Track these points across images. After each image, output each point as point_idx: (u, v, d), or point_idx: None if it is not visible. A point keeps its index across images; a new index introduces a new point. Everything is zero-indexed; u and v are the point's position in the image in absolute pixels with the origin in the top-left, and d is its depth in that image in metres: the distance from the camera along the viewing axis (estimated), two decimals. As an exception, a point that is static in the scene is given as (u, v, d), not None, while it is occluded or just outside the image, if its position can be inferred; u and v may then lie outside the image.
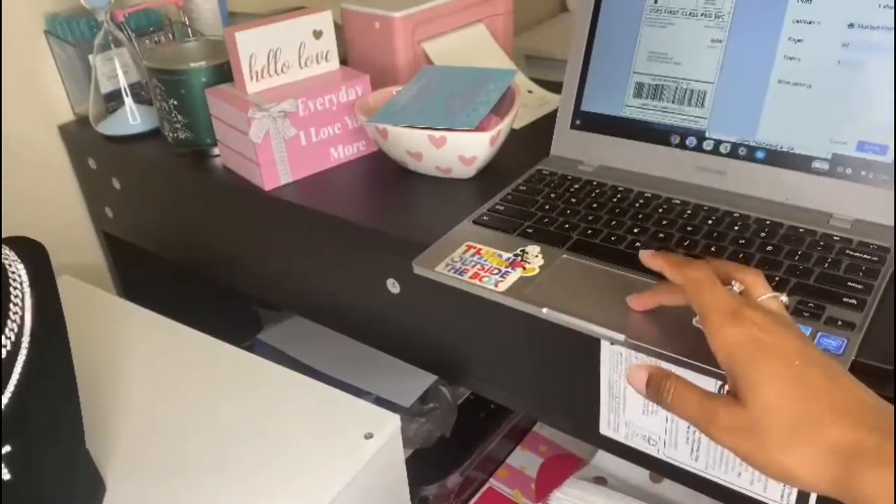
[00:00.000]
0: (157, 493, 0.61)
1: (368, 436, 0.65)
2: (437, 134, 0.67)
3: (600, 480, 0.77)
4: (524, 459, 1.01)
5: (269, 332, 1.12)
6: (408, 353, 0.74)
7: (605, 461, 0.81)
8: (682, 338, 0.49)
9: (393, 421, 0.67)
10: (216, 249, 0.86)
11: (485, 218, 0.63)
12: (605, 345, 0.55)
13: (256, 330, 1.15)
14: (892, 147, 0.56)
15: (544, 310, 0.52)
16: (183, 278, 1.05)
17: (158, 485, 0.62)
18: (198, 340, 0.79)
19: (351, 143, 0.78)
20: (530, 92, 0.86)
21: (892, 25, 0.55)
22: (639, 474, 0.77)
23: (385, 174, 0.76)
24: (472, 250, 0.59)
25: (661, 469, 0.57)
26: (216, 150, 0.81)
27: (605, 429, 0.58)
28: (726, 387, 0.43)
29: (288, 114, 0.72)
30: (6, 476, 0.54)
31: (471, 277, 0.56)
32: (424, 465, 0.90)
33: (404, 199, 0.71)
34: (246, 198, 0.77)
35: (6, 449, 0.54)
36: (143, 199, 0.90)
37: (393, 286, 0.68)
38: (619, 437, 0.58)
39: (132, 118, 0.87)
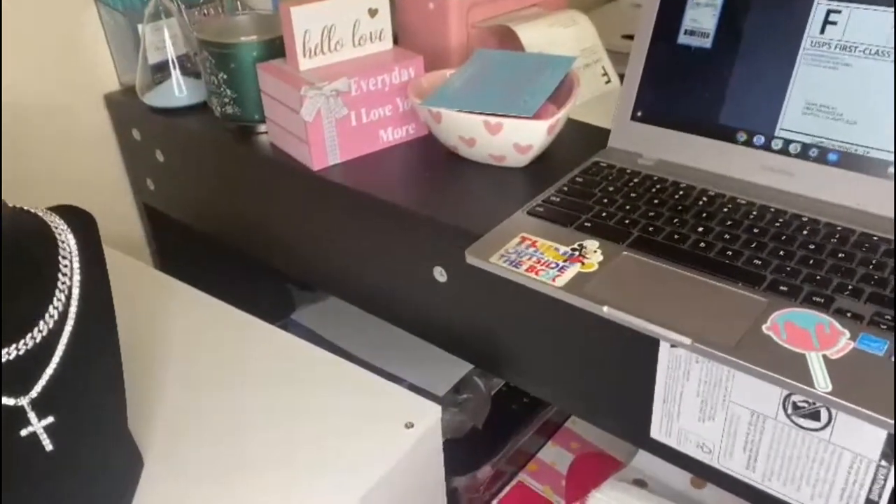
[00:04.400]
0: (193, 471, 0.60)
1: (409, 425, 0.64)
2: (492, 120, 0.65)
3: (640, 483, 0.76)
4: (555, 455, 0.99)
5: (303, 312, 1.11)
6: (448, 342, 0.72)
7: (644, 463, 0.79)
8: (749, 344, 0.47)
9: (434, 411, 0.66)
10: (257, 227, 0.85)
11: (539, 209, 0.62)
12: (663, 347, 0.53)
13: (290, 310, 1.14)
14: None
15: (605, 308, 0.50)
16: (219, 253, 1.04)
17: (194, 463, 0.61)
18: (234, 317, 0.78)
19: (401, 125, 0.77)
20: (608, 82, 0.83)
21: None
22: (680, 478, 0.75)
23: (434, 159, 0.74)
24: (528, 242, 0.58)
25: (713, 478, 0.55)
26: (263, 127, 0.80)
27: (657, 433, 0.57)
28: (792, 398, 0.41)
29: (340, 93, 0.70)
30: (48, 447, 0.53)
31: (527, 270, 0.54)
32: (455, 455, 0.89)
33: (455, 185, 0.69)
34: (292, 177, 0.75)
35: (49, 420, 0.53)
36: (185, 173, 0.89)
37: (440, 275, 0.66)
38: (671, 442, 0.56)
39: (178, 90, 0.86)
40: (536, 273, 0.54)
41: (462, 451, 0.91)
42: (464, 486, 0.90)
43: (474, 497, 0.92)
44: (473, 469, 0.90)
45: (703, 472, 0.56)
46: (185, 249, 1.04)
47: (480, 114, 0.66)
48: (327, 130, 0.71)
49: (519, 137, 0.66)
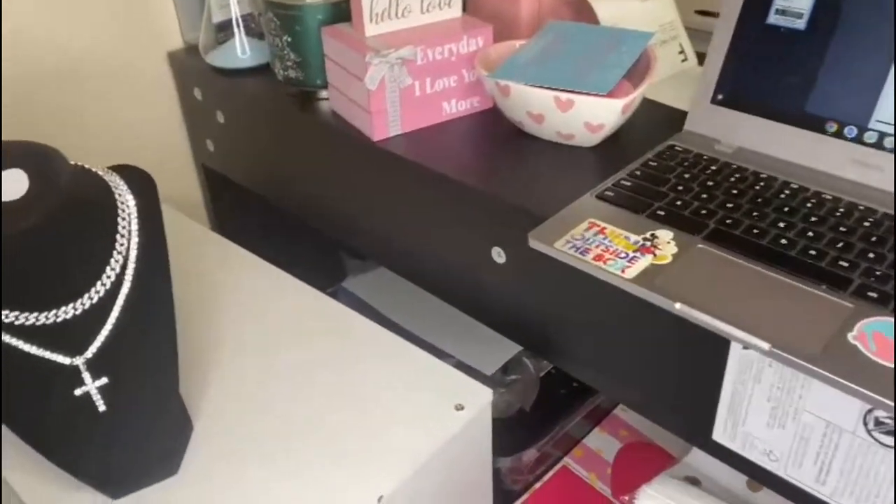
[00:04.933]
0: (239, 439, 0.60)
1: (459, 407, 0.62)
2: (563, 96, 0.62)
3: (693, 481, 0.73)
4: (602, 442, 0.97)
5: (354, 280, 1.10)
6: (501, 323, 0.70)
7: (698, 460, 0.77)
8: (834, 353, 0.43)
9: (485, 394, 0.64)
10: (313, 193, 0.84)
11: (609, 193, 0.59)
12: (735, 348, 0.50)
13: (340, 277, 1.14)
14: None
15: (678, 305, 0.47)
16: (274, 218, 1.04)
17: (240, 430, 0.61)
18: (287, 283, 0.77)
19: (465, 97, 0.74)
20: (684, 61, 0.79)
21: None
22: (735, 479, 0.73)
23: (498, 134, 0.71)
24: (596, 228, 0.55)
25: (777, 486, 0.53)
26: (325, 93, 0.78)
27: (719, 435, 0.54)
28: (875, 413, 0.38)
29: (405, 61, 0.68)
30: (101, 407, 0.54)
31: (594, 259, 0.52)
32: (500, 436, 0.87)
33: (519, 163, 0.66)
34: (351, 146, 0.74)
35: (103, 381, 0.53)
36: (244, 136, 0.88)
37: (498, 255, 0.64)
38: (735, 446, 0.53)
39: (242, 51, 0.84)
40: (604, 262, 0.51)
41: (507, 433, 0.90)
42: (507, 467, 0.88)
43: (517, 479, 0.91)
44: (518, 451, 0.89)
45: (766, 479, 0.53)
46: (241, 212, 1.03)
47: (551, 89, 0.63)
48: (390, 100, 0.69)
49: (591, 116, 0.63)
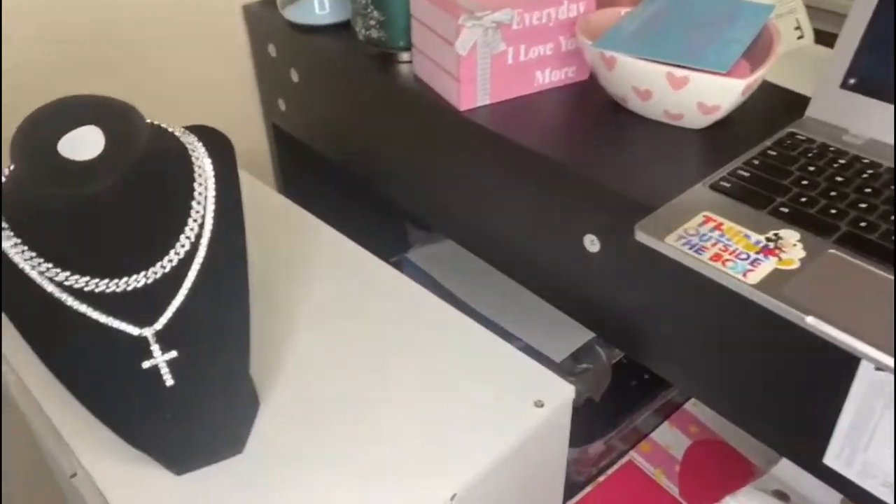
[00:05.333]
0: (305, 422, 0.57)
1: (539, 403, 0.58)
2: (678, 72, 0.56)
3: (782, 496, 0.68)
4: (671, 437, 0.92)
5: (418, 252, 1.06)
6: (582, 312, 0.65)
7: (786, 473, 0.71)
8: None
9: (566, 391, 0.60)
10: (386, 159, 0.80)
11: (724, 184, 0.53)
12: (865, 368, 0.44)
13: (403, 248, 1.10)
14: None
15: (809, 318, 0.42)
16: (339, 181, 1.00)
17: (307, 412, 0.58)
18: (355, 253, 0.74)
19: (560, 67, 0.68)
20: (800, 38, 0.72)
21: None
22: (829, 497, 0.67)
23: (595, 110, 0.66)
24: (711, 223, 0.49)
25: (895, 521, 0.48)
26: (407, 56, 0.73)
27: (832, 460, 0.49)
28: None
29: (500, 25, 0.62)
30: (168, 382, 0.51)
31: (711, 258, 0.46)
32: (568, 426, 0.84)
33: (618, 143, 0.61)
34: (434, 114, 0.69)
35: (172, 355, 0.51)
36: (318, 96, 0.84)
37: (591, 244, 0.59)
38: (850, 473, 0.48)
39: (320, 7, 0.80)
40: (723, 263, 0.46)
41: (575, 424, 0.85)
42: (573, 458, 0.85)
43: (581, 471, 0.87)
44: (585, 443, 0.85)
45: (881, 512, 0.48)
46: (307, 174, 1.00)
47: (666, 63, 0.57)
48: (481, 67, 0.64)
49: (706, 95, 0.57)
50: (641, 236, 0.49)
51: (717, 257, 0.47)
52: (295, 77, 0.84)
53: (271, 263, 0.72)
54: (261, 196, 0.82)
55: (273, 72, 0.88)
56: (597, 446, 0.86)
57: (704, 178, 0.54)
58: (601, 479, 0.88)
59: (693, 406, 0.96)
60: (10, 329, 0.66)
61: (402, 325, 0.65)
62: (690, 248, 0.47)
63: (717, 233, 0.49)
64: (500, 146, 0.63)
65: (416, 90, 0.70)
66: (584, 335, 0.89)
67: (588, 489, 0.86)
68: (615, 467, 0.89)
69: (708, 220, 0.50)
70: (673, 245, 0.48)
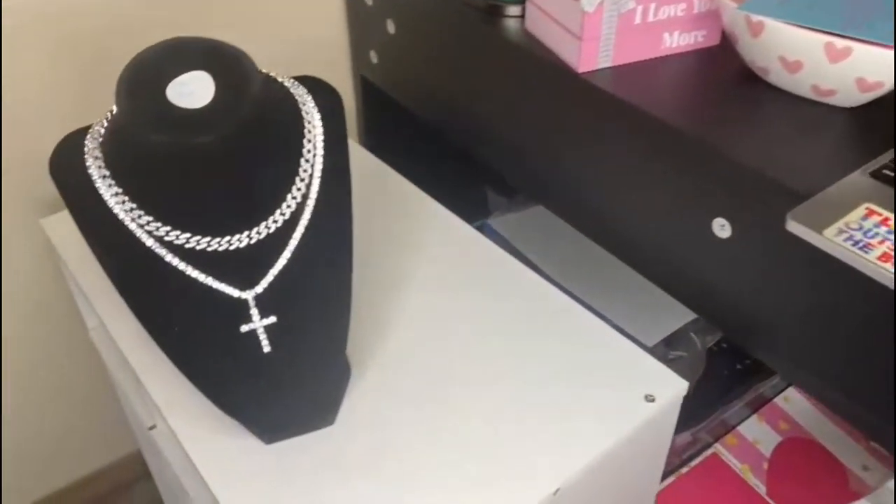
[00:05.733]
0: (398, 397, 0.54)
1: (649, 398, 0.54)
2: (839, 43, 0.50)
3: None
4: (759, 432, 0.87)
5: (500, 219, 1.02)
6: (694, 298, 0.60)
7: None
8: None
9: (679, 386, 0.55)
10: (483, 121, 0.75)
11: (888, 173, 0.47)
12: None
13: (482, 213, 1.06)
14: None
15: None
16: (424, 139, 0.96)
17: (400, 387, 0.54)
18: (443, 217, 0.70)
19: (690, 30, 0.62)
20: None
21: None
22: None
23: (727, 79, 0.60)
24: (876, 218, 0.44)
25: None
26: (516, 10, 0.68)
27: None
28: None
29: (632, -20, 0.56)
30: (265, 348, 0.48)
31: (880, 258, 0.41)
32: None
33: (755, 118, 0.55)
34: (546, 74, 0.64)
35: (271, 320, 0.48)
36: (415, 50, 0.79)
37: (721, 228, 0.54)
38: None
39: (424, -48, 0.74)
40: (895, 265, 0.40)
41: (662, 411, 0.82)
42: (658, 448, 0.80)
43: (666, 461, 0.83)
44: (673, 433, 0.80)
45: None
46: (392, 129, 0.96)
47: (823, 32, 0.51)
48: (606, 26, 0.58)
49: (869, 70, 0.50)
50: (795, 227, 0.44)
51: (886, 257, 0.41)
52: (391, 28, 0.79)
53: (360, 225, 0.69)
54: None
55: (367, 22, 0.83)
56: (683, 437, 0.81)
57: (863, 165, 0.48)
58: (684, 470, 0.83)
59: (784, 401, 0.91)
60: (95, 272, 0.64)
61: (502, 301, 0.61)
62: (853, 245, 0.42)
63: (883, 228, 0.43)
64: (621, 113, 0.58)
65: (526, 47, 0.65)
66: (678, 319, 0.84)
67: (670, 479, 0.82)
68: (699, 459, 0.85)
69: (871, 213, 0.44)
70: (833, 240, 0.42)
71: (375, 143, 0.95)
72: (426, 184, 0.76)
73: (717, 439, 0.87)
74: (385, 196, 0.72)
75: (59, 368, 0.89)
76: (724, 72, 0.61)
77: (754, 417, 0.89)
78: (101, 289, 0.63)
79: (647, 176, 0.59)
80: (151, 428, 0.68)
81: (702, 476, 0.84)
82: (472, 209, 1.05)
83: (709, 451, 0.85)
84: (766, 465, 0.84)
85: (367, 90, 0.91)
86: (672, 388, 0.55)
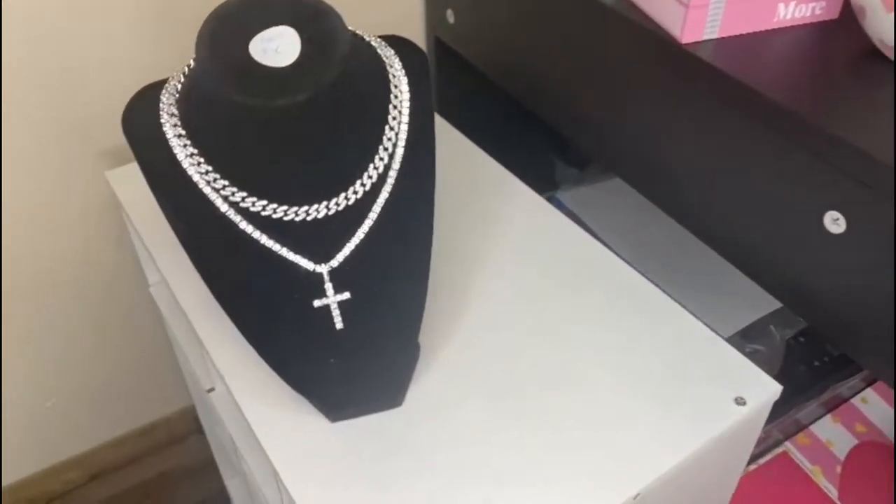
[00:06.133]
0: (469, 382, 0.51)
1: (740, 401, 0.50)
2: None
3: None
4: (833, 433, 0.83)
5: (569, 193, 0.98)
6: (786, 291, 0.56)
7: None
8: None
9: (772, 389, 0.52)
10: (567, 88, 0.71)
11: None
12: None
13: (549, 185, 1.02)
14: None
15: None
16: (495, 105, 0.92)
17: (471, 372, 0.52)
18: (524, 194, 0.67)
19: (808, 1, 0.57)
20: None
21: None
22: None
23: (848, 58, 0.54)
24: None
25: None
26: (613, -29, 0.63)
27: None
28: None
29: (752, -57, 0.51)
30: (338, 325, 0.46)
31: None
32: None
33: (882, 101, 0.50)
34: (643, 43, 0.59)
35: (345, 296, 0.45)
36: (496, 11, 0.75)
37: (835, 223, 0.49)
38: None
39: None
40: None
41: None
42: (726, 444, 0.77)
43: (732, 457, 0.79)
44: (743, 429, 0.76)
45: None
46: (464, 94, 0.92)
47: (975, 10, 0.45)
48: (717, -7, 0.53)
49: None
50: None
51: None
52: (473, -15, 0.75)
53: (435, 197, 0.65)
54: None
55: (447, -23, 0.79)
56: (754, 434, 0.77)
57: None
58: (752, 467, 0.80)
59: (862, 402, 0.86)
60: (159, 228, 0.63)
61: (584, 287, 0.58)
62: None
63: None
64: (727, 90, 0.53)
65: (623, 13, 0.60)
66: (756, 310, 0.80)
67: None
68: (768, 457, 0.81)
69: None
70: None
71: (446, 107, 0.91)
72: (495, 151, 0.72)
73: (787, 437, 0.83)
74: (458, 167, 0.69)
75: (117, 321, 0.89)
76: (843, 49, 0.55)
77: (829, 417, 0.84)
78: (165, 245, 0.62)
79: (751, 160, 0.54)
80: (210, 391, 0.67)
81: (770, 474, 0.80)
82: (538, 181, 1.01)
83: (779, 449, 0.82)
84: (839, 469, 0.80)
85: (441, 52, 0.87)
86: (764, 391, 0.51)
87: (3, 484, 0.93)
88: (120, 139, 0.77)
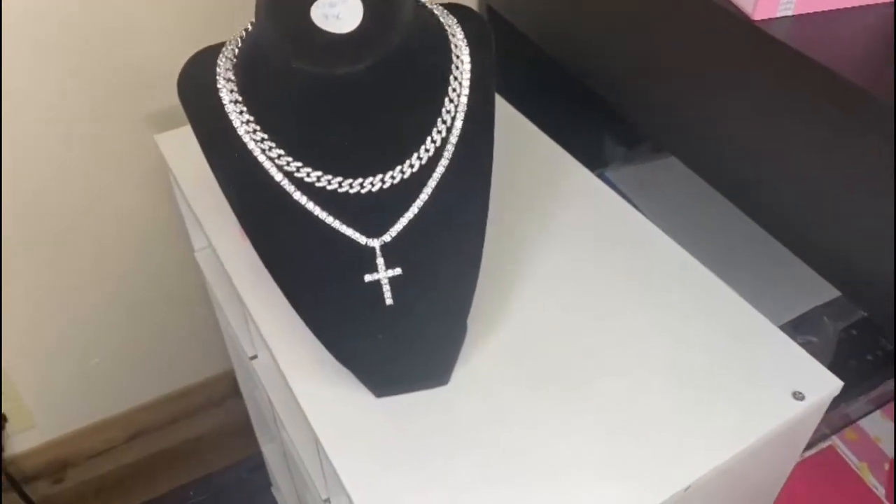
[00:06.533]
0: (518, 366, 0.50)
1: (798, 396, 0.48)
2: None
3: None
4: (882, 429, 0.81)
5: (619, 171, 0.95)
6: (856, 289, 0.54)
7: None
8: None
9: (832, 385, 0.50)
10: (629, 65, 0.68)
11: None
12: None
13: (598, 163, 0.99)
14: None
15: None
16: (544, 78, 0.89)
17: (525, 348, 0.51)
18: (567, 164, 0.65)
19: (891, -23, 0.53)
20: None
21: None
22: None
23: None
24: None
25: None
26: (682, -59, 0.60)
27: None
28: None
29: (837, -86, 0.48)
30: (388, 301, 0.45)
31: None
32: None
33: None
34: (711, 19, 0.56)
35: (396, 272, 0.44)
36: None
37: (911, 214, 0.47)
38: None
39: None
40: None
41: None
42: (771, 436, 0.75)
43: (776, 449, 0.77)
44: (790, 422, 0.74)
45: None
46: (514, 65, 0.89)
47: None
48: (796, -34, 0.50)
49: None
50: None
51: None
52: (531, -48, 0.72)
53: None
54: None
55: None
56: (801, 427, 0.75)
57: None
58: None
59: (914, 399, 0.83)
60: (207, 193, 0.62)
61: (638, 270, 0.56)
62: None
63: None
64: (803, 72, 0.51)
65: (691, -13, 0.58)
66: (809, 300, 0.77)
67: (780, 470, 0.77)
68: (813, 450, 0.79)
69: None
70: None
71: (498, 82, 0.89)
72: (542, 125, 0.70)
73: (834, 432, 0.80)
74: (509, 141, 0.67)
75: (162, 284, 0.90)
76: (928, 30, 0.52)
77: (878, 413, 0.82)
78: (213, 210, 0.61)
79: (821, 143, 0.51)
80: (253, 358, 0.67)
81: (815, 468, 0.78)
82: (585, 158, 0.99)
83: (824, 444, 0.79)
84: (887, 466, 0.78)
85: (493, 20, 0.85)
86: (825, 385, 0.49)
87: (46, 439, 0.95)
88: (168, 103, 0.76)
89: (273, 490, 1.08)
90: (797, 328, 0.76)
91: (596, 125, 1.02)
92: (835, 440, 0.80)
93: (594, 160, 1.00)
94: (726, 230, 0.84)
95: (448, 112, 0.42)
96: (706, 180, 0.65)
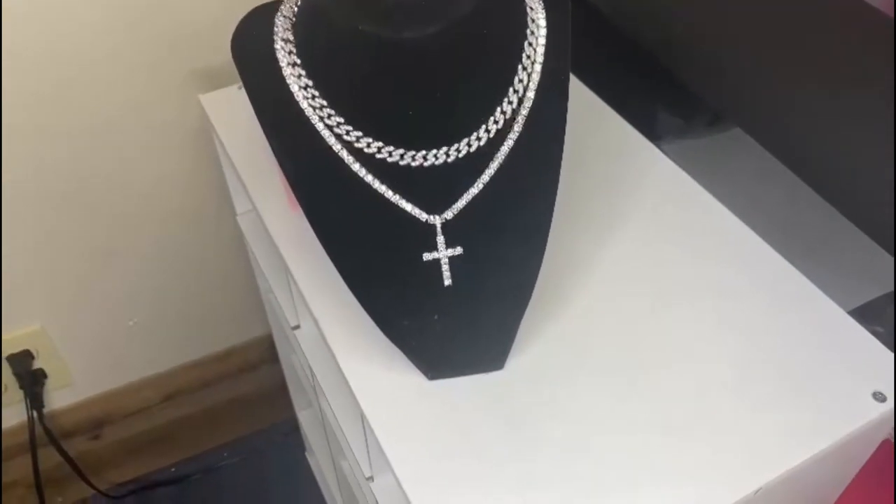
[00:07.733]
0: (580, 353, 0.47)
1: (879, 396, 0.45)
2: None
3: None
4: (943, 425, 0.77)
5: (673, 145, 0.91)
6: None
7: None
8: None
9: (915, 387, 0.46)
10: (698, 32, 0.64)
11: None
12: None
13: (650, 136, 0.95)
14: None
15: None
16: (601, 47, 0.85)
17: (585, 333, 0.48)
18: (649, 152, 0.62)
19: None
20: None
21: None
22: None
23: None
24: None
25: None
26: None
27: None
28: None
29: None
30: (446, 281, 0.42)
31: None
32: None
33: None
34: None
35: (457, 251, 0.42)
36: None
37: None
38: None
39: None
40: None
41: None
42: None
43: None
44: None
45: None
46: (580, 41, 0.85)
47: None
48: (902, -71, 0.46)
49: None
50: None
51: None
52: None
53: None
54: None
55: None
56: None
57: None
58: (850, 454, 0.75)
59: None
60: (253, 156, 0.60)
61: (706, 252, 0.53)
62: None
63: None
64: (893, 36, 0.46)
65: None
66: (876, 287, 0.73)
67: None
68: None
69: None
70: None
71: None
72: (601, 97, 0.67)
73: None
74: (576, 115, 0.64)
75: (202, 247, 0.88)
76: None
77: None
78: (258, 174, 0.59)
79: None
80: (295, 328, 0.65)
81: (871, 463, 0.75)
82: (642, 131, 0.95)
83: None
84: (946, 463, 0.74)
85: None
86: (907, 387, 0.46)
87: (83, 397, 0.95)
88: (214, 61, 0.74)
89: (307, 454, 1.07)
90: (863, 317, 0.72)
91: (650, 95, 0.98)
92: (891, 432, 0.76)
93: (646, 133, 0.96)
94: (786, 210, 0.80)
95: (521, 81, 0.39)
96: (775, 154, 0.61)
